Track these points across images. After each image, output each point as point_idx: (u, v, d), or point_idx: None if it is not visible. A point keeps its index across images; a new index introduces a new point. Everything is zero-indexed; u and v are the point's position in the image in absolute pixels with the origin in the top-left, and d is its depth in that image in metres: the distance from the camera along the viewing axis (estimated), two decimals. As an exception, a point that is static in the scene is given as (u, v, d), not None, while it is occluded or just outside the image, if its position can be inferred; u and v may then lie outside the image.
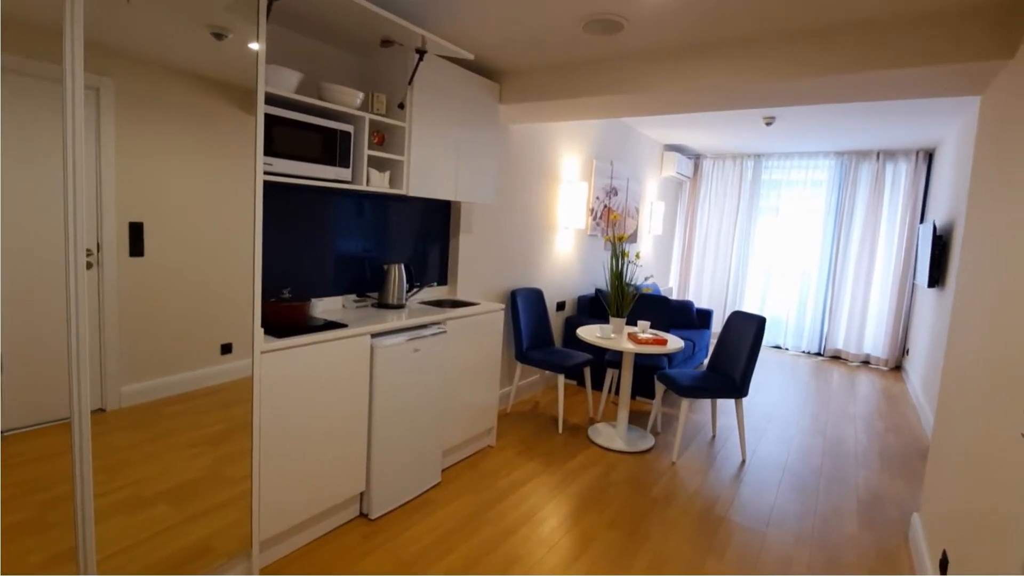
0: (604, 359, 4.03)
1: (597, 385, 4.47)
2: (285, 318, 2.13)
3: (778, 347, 6.62)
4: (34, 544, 1.40)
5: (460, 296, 3.39)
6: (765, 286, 6.72)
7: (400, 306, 2.77)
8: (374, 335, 2.29)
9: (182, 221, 1.65)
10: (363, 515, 2.39)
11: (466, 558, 2.14)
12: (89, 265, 1.46)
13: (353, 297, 2.76)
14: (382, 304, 2.77)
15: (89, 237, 1.46)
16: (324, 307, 2.60)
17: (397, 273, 2.77)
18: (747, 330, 3.26)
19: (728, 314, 5.59)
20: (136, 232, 1.54)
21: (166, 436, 1.65)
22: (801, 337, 6.46)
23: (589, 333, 3.39)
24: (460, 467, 2.92)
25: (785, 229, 6.53)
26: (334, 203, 2.62)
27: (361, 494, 2.37)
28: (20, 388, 1.36)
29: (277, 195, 2.36)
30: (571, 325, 4.55)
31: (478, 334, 2.94)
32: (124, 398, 1.55)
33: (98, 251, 1.47)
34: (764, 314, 6.64)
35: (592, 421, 3.74)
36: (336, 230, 2.65)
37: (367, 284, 2.85)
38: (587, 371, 3.79)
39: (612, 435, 3.43)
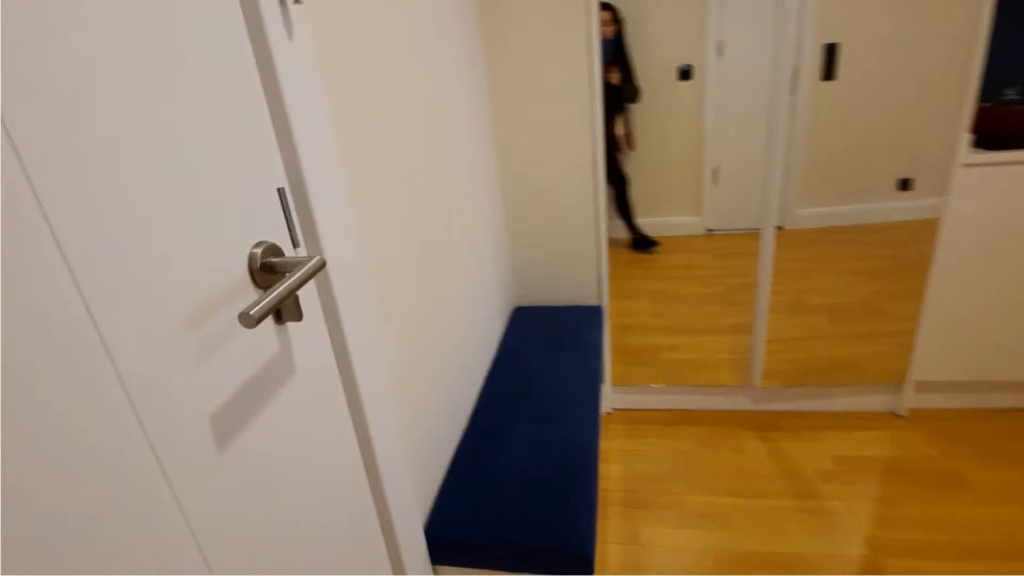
0: None
1: None
2: (1006, 126, 1.61)
3: None
4: (723, 312, 1.79)
5: None
6: None
7: None
8: None
9: (880, 40, 1.47)
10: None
11: None
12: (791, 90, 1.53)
13: None
14: None
15: (790, 61, 1.51)
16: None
17: None
18: None
19: None
20: (830, 54, 1.49)
21: (828, 259, 1.74)
22: None
23: None
24: None
25: None
26: None
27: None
28: (727, 198, 1.69)
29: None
30: None
31: None
32: (797, 220, 1.69)
33: (794, 76, 1.50)
34: None
35: None
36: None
37: None
38: None
39: None
